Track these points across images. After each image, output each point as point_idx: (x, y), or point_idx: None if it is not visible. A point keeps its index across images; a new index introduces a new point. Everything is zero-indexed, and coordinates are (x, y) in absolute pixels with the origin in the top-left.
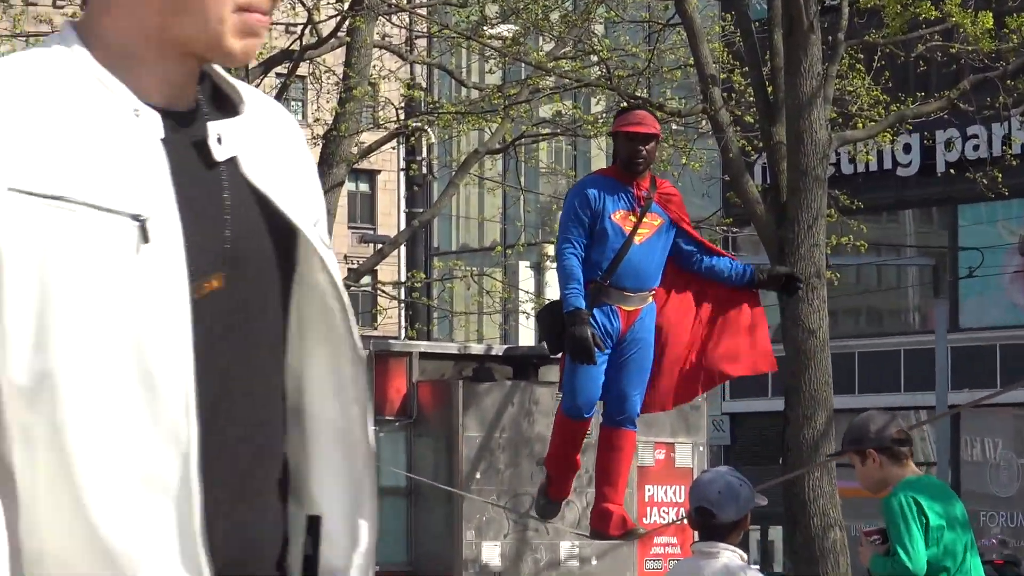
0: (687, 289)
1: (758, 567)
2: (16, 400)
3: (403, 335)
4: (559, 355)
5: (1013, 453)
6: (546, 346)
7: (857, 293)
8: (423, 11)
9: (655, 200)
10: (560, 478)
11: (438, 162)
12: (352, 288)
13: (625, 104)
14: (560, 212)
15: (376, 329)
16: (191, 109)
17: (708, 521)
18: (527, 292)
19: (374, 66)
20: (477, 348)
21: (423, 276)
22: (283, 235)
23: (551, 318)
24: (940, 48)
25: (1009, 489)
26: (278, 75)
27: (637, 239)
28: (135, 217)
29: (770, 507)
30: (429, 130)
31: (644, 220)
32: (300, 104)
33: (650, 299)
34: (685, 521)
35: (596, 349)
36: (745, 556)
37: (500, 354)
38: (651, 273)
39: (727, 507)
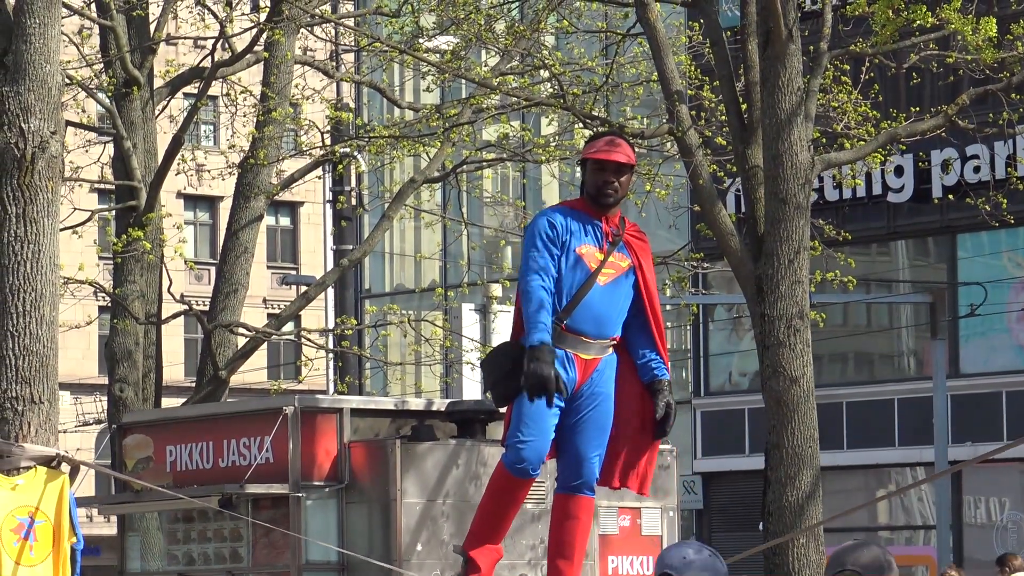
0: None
1: None
2: None
3: (332, 389)
4: (506, 409)
5: (1022, 514)
6: (491, 397)
7: (845, 335)
8: (350, 22)
9: (623, 240)
10: (485, 557)
11: (369, 193)
12: (274, 337)
13: (580, 126)
14: (507, 247)
15: (301, 383)
16: None
17: None
18: (471, 339)
19: (296, 85)
20: (416, 403)
21: (354, 322)
22: None
23: (497, 365)
24: (936, 58)
25: (1019, 555)
26: (187, 96)
27: (601, 279)
28: None
29: None
30: (358, 156)
31: (610, 260)
32: (212, 128)
33: (611, 349)
34: None
35: (557, 394)
36: None
37: (442, 410)
38: (613, 318)
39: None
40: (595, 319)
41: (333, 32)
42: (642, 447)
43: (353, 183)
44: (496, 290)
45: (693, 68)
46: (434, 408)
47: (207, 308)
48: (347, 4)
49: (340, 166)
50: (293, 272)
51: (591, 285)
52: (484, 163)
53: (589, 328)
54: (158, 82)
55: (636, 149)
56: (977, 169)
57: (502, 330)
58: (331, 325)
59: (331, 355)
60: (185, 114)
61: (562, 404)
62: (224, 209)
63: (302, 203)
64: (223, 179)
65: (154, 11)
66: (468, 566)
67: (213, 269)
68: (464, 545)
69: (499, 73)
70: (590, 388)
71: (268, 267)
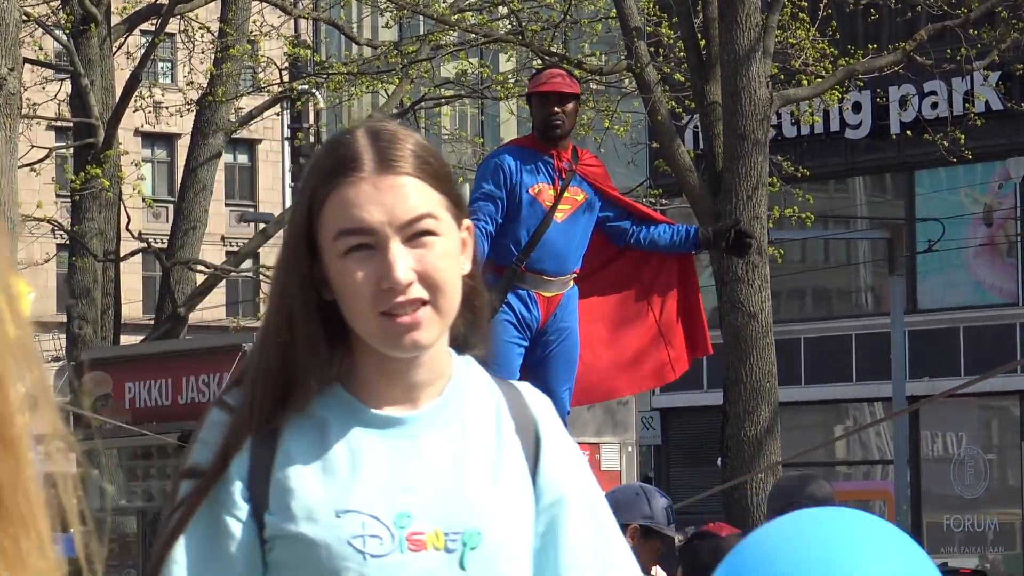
0: (614, 269)
1: None
2: None
3: None
4: None
5: (979, 448)
6: None
7: (803, 271)
8: None
9: (577, 172)
10: None
11: (327, 130)
12: (232, 274)
13: (538, 62)
14: (466, 185)
15: (260, 320)
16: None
17: None
18: None
19: (254, 21)
20: None
21: None
22: None
23: None
24: None
25: (975, 489)
26: (144, 33)
27: (558, 216)
28: None
29: (709, 513)
30: (316, 93)
31: (565, 195)
32: (170, 65)
33: (571, 283)
34: None
35: (519, 334)
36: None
37: None
38: (573, 254)
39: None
40: (555, 256)
41: None
42: (672, 317)
43: (311, 120)
44: None
45: (651, 4)
46: None
47: (165, 245)
48: None
49: (298, 103)
50: (251, 209)
51: (548, 223)
52: (442, 100)
53: (549, 266)
54: (115, 19)
55: (594, 86)
56: (935, 105)
57: None
58: None
59: None
60: (143, 51)
61: (526, 343)
62: (182, 147)
63: (260, 140)
64: (181, 116)
65: None
66: None
67: (171, 207)
68: None
69: (457, 10)
70: (555, 324)
71: (226, 204)
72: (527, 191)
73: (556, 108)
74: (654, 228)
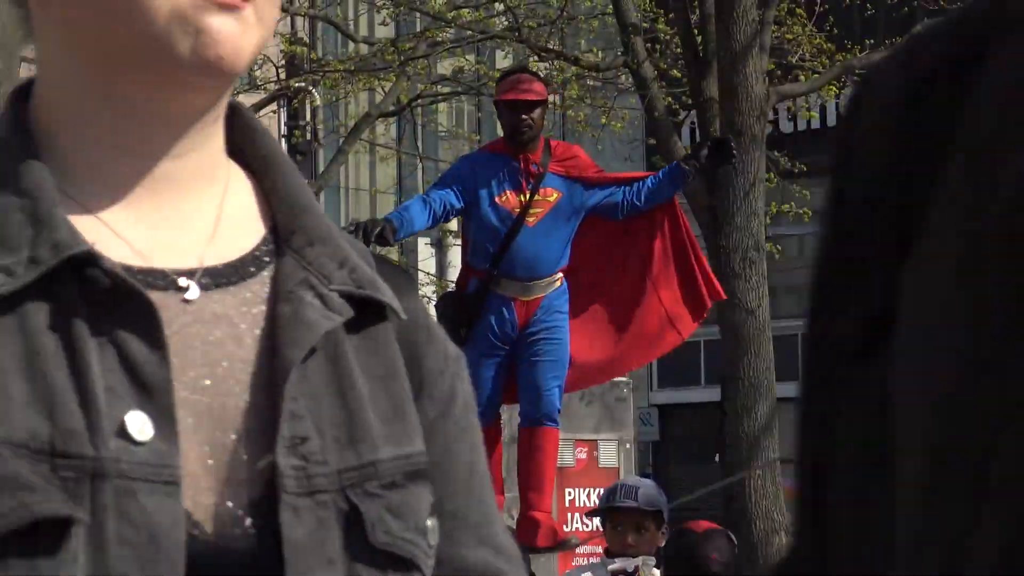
0: (601, 246)
1: None
2: None
3: None
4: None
5: None
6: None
7: (801, 267)
8: None
9: (550, 171)
10: None
11: (324, 127)
12: None
13: (536, 58)
14: None
15: None
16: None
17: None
18: (427, 273)
19: None
20: None
21: None
22: None
23: (453, 308)
24: None
25: None
26: None
27: (530, 219)
28: None
29: (707, 510)
30: (314, 91)
31: (536, 198)
32: None
33: (557, 283)
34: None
35: (498, 337)
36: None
37: None
38: (551, 256)
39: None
40: (525, 262)
41: None
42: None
43: (308, 118)
44: (452, 224)
45: (648, 1)
46: None
47: None
48: None
49: (295, 101)
50: None
51: (519, 229)
52: (439, 97)
53: (520, 272)
54: None
55: (591, 82)
56: None
57: (457, 264)
58: None
59: None
60: None
61: (504, 349)
62: None
63: None
64: None
65: None
66: None
67: None
68: None
69: (454, 7)
70: (536, 325)
71: None
72: (494, 200)
73: (524, 116)
74: (640, 183)
